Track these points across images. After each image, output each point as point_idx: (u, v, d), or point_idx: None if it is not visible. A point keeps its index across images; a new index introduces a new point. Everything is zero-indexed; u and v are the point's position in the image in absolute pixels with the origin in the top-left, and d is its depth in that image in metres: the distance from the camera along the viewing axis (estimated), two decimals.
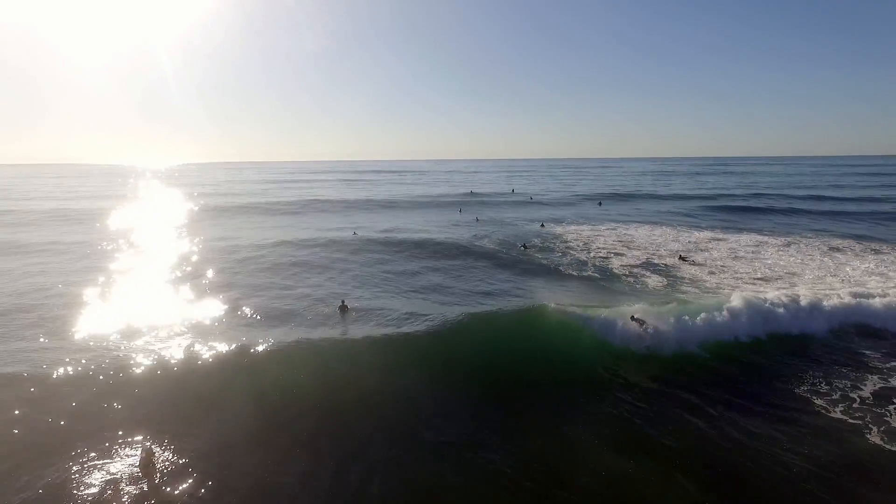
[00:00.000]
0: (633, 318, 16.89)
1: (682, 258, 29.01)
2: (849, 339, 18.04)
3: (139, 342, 16.12)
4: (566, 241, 36.02)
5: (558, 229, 41.84)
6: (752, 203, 61.86)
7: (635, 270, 27.16)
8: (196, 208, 57.60)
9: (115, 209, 56.34)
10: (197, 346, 15.48)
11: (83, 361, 14.50)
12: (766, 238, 37.20)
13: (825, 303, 19.74)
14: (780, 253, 31.77)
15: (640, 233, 40.24)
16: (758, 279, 25.17)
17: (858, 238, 37.30)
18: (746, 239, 36.80)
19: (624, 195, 75.13)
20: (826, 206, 58.11)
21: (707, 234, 39.58)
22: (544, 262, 28.98)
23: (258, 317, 18.91)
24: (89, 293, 21.92)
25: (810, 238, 37.16)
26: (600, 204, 66.30)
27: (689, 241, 35.81)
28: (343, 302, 19.59)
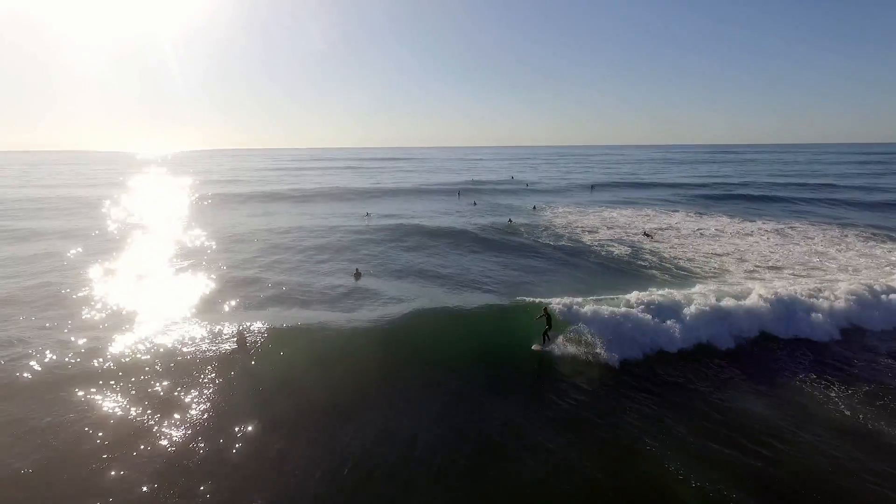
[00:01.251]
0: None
1: (646, 234, 32.98)
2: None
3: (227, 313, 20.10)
4: (551, 221, 39.97)
5: (547, 212, 45.73)
6: (737, 191, 64.97)
7: (605, 244, 31.19)
8: (211, 194, 61.26)
9: (138, 197, 60.18)
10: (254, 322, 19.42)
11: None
12: (733, 221, 40.93)
13: (742, 301, 18.82)
14: (745, 235, 35.42)
15: (621, 214, 44.09)
16: (712, 254, 28.94)
17: (822, 220, 41.03)
18: (714, 222, 40.56)
19: (619, 183, 78.02)
20: (807, 194, 61.35)
21: (681, 216, 43.38)
22: (525, 239, 32.74)
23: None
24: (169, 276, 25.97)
25: (773, 222, 40.80)
26: (592, 188, 70.05)
27: (664, 223, 39.66)
28: (357, 269, 24.12)
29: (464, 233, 34.39)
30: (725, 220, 41.57)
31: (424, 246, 30.75)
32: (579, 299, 18.11)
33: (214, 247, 31.01)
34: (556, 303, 17.69)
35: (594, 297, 18.65)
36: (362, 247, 30.64)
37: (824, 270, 25.31)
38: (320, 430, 11.63)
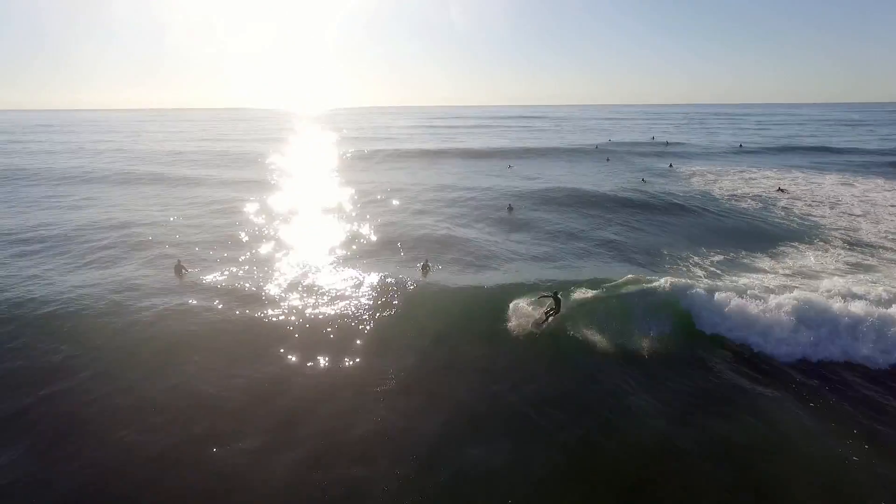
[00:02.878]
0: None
1: (780, 189, 35.18)
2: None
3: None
4: (688, 178, 43.12)
5: (685, 168, 48.37)
6: None
7: (738, 193, 34.40)
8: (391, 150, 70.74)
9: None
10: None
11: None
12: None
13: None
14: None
15: (763, 174, 45.04)
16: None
17: None
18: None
19: (771, 148, 70.79)
20: None
21: (834, 178, 43.03)
22: (661, 193, 36.29)
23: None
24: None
25: None
26: (741, 146, 68.84)
27: (811, 183, 40.41)
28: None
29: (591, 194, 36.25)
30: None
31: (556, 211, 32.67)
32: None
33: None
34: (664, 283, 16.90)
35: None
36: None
37: None
38: None
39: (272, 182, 43.09)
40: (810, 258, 22.50)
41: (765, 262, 21.83)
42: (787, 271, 20.58)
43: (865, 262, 22.06)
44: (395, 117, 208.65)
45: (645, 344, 14.56)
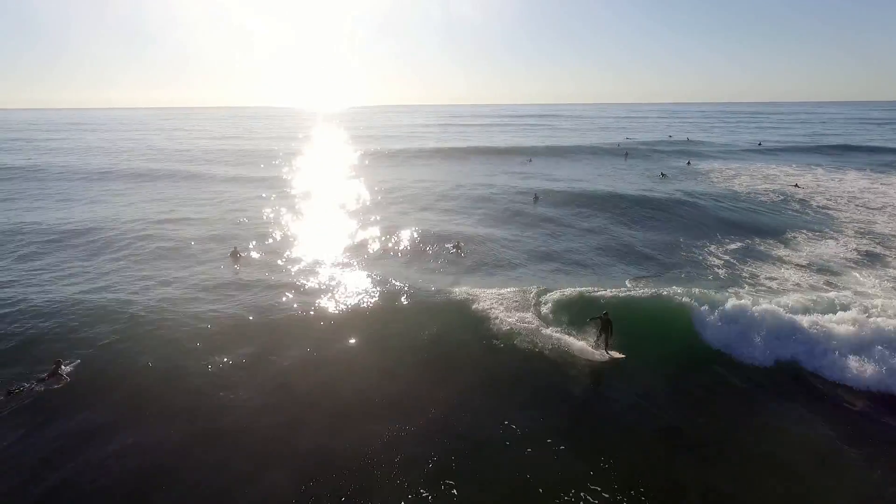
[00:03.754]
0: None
1: (797, 185, 36.02)
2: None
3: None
4: (706, 174, 43.98)
5: (703, 165, 49.11)
6: None
7: (755, 189, 35.43)
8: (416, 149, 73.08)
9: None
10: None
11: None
12: None
13: None
14: None
15: (780, 170, 45.71)
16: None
17: None
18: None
19: (793, 147, 70.29)
20: None
21: (855, 175, 43.48)
22: (676, 190, 37.23)
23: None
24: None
25: None
26: (760, 144, 69.09)
27: (828, 178, 41.07)
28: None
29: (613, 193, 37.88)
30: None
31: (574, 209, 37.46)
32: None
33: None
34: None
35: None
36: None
37: None
38: None
39: (294, 180, 43.70)
40: (824, 248, 23.51)
41: (780, 251, 22.98)
42: (802, 261, 21.65)
43: (875, 250, 23.01)
44: (412, 115, 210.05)
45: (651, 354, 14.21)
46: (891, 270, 20.62)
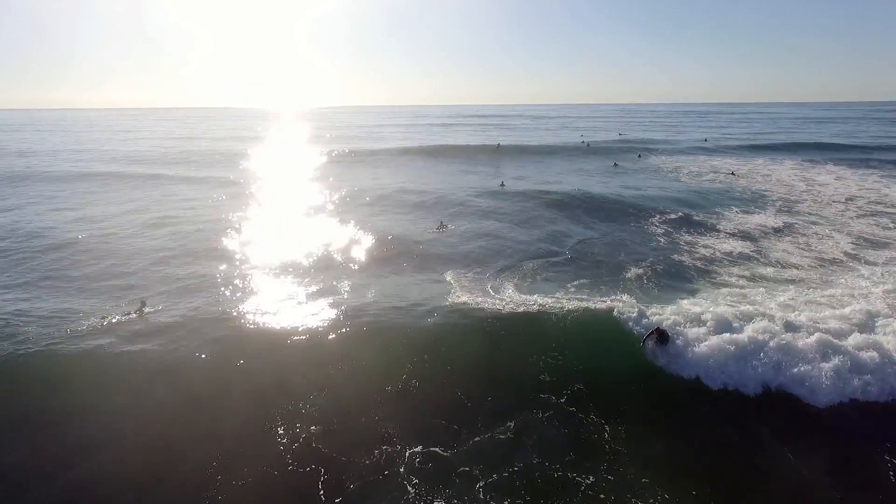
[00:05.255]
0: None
1: (732, 173, 40.75)
2: None
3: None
4: (655, 164, 48.44)
5: (653, 158, 53.60)
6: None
7: (697, 176, 39.94)
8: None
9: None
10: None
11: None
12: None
13: None
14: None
15: (723, 162, 50.59)
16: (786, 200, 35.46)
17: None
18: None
19: (737, 146, 75.07)
20: None
21: (790, 164, 48.74)
22: (629, 177, 41.79)
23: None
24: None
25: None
26: (706, 140, 74.41)
27: (764, 168, 46.05)
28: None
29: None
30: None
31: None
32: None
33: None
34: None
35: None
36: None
37: None
38: None
39: (250, 182, 41.05)
40: (751, 219, 27.52)
41: (714, 222, 26.84)
42: (732, 230, 25.44)
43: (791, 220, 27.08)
44: (377, 116, 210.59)
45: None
46: (800, 237, 24.57)
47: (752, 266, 20.31)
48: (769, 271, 19.71)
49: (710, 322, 14.00)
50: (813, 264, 20.54)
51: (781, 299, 16.47)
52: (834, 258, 21.25)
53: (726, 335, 13.40)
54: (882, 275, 18.93)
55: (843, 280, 18.63)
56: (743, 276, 19.10)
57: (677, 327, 13.90)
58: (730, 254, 21.83)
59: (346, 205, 31.30)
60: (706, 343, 13.22)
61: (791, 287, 17.84)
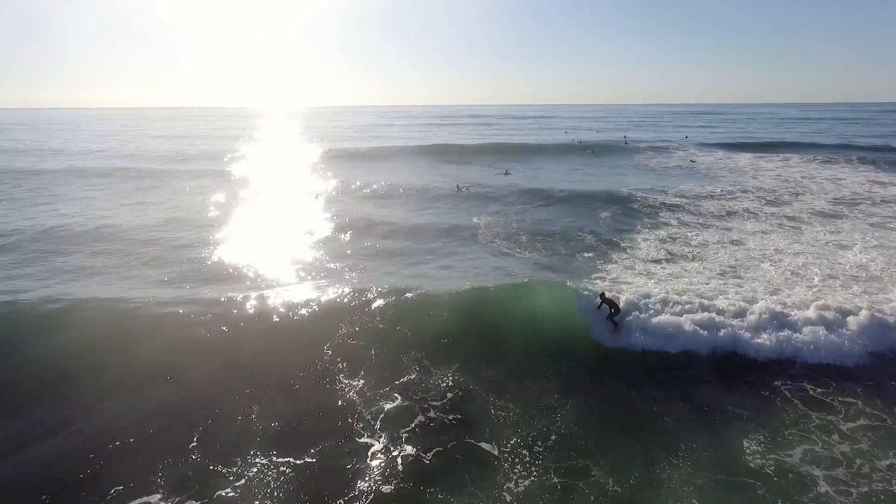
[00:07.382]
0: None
1: (692, 161, 50.29)
2: None
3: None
4: (637, 151, 58.22)
5: (634, 154, 62.01)
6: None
7: (670, 164, 49.61)
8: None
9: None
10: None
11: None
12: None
13: None
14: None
15: (688, 153, 59.88)
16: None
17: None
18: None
19: (722, 144, 77.91)
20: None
21: (748, 156, 56.59)
22: (605, 164, 50.43)
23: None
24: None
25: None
26: (686, 137, 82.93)
27: (724, 157, 55.02)
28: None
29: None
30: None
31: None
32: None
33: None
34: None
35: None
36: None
37: None
38: None
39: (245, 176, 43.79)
40: (704, 196, 34.85)
41: (671, 197, 34.50)
42: (686, 203, 32.86)
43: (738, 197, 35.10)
44: (370, 116, 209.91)
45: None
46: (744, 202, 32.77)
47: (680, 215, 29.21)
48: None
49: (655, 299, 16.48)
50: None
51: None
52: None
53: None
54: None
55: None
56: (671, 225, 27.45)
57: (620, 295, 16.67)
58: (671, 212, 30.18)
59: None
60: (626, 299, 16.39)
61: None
